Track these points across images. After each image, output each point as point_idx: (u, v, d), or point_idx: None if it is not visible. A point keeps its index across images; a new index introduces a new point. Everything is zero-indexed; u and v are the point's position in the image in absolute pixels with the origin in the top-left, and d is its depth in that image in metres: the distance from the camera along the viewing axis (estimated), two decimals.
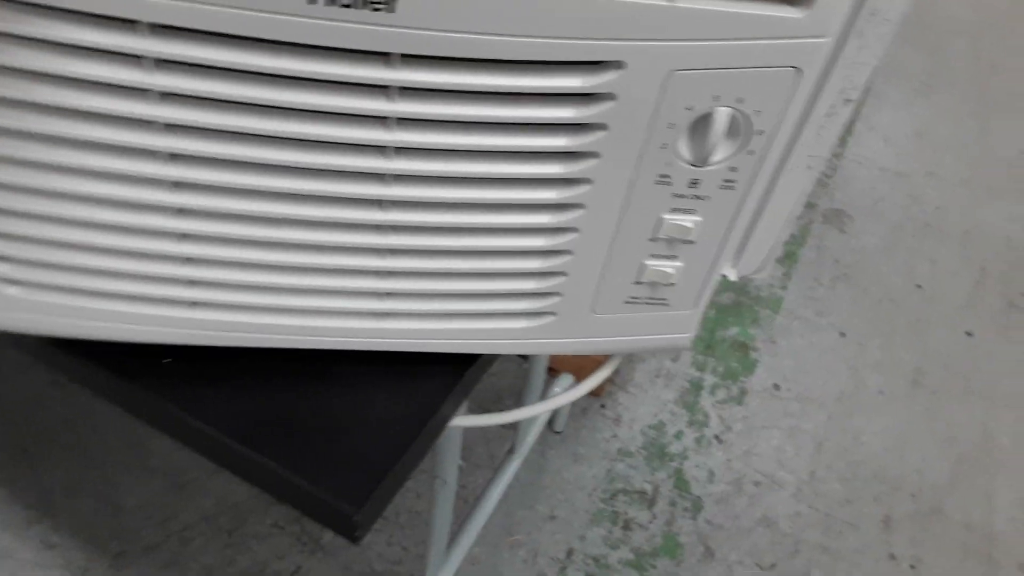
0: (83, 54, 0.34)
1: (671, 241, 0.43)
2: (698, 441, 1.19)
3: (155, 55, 0.33)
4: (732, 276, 0.56)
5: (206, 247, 0.40)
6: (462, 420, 0.52)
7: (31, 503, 1.02)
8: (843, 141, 1.64)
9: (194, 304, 0.43)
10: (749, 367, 1.28)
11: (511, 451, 1.09)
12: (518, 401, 1.17)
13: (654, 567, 1.06)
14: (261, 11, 0.32)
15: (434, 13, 0.32)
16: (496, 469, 1.10)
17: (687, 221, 0.41)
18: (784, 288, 1.38)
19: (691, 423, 1.21)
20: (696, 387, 1.25)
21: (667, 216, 0.41)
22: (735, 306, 1.36)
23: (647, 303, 0.46)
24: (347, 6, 0.32)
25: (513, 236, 0.41)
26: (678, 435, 1.20)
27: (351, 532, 0.42)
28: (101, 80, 0.34)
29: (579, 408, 1.21)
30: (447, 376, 0.49)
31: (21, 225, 0.39)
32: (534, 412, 0.56)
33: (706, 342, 1.30)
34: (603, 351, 0.49)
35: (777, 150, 0.40)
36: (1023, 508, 1.16)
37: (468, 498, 1.08)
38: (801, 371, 1.28)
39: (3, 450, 1.06)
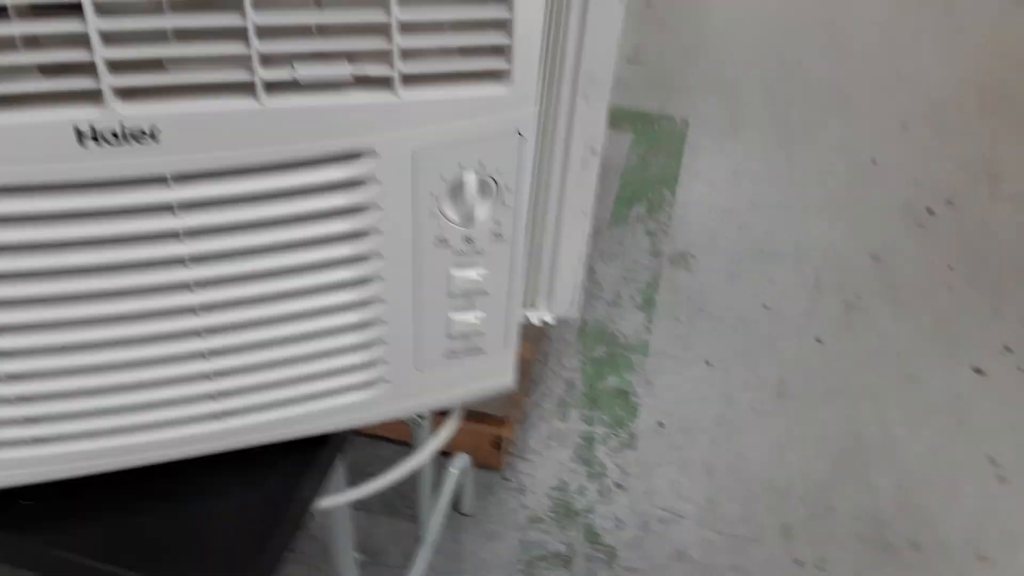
0: None
1: (467, 294, 0.49)
2: (600, 492, 1.24)
3: None
4: (549, 319, 0.62)
5: (35, 383, 0.43)
6: (332, 500, 0.55)
7: None
8: (672, 190, 1.79)
9: (37, 441, 0.45)
10: (632, 411, 1.35)
11: (418, 540, 1.09)
12: (415, 492, 1.18)
13: None
14: (37, 160, 0.36)
15: (195, 137, 0.37)
16: (409, 563, 1.10)
17: (473, 274, 0.47)
18: (649, 332, 1.47)
19: (591, 476, 1.26)
20: (589, 441, 1.30)
21: (456, 272, 0.47)
22: (609, 357, 1.43)
23: (464, 353, 0.51)
24: (115, 143, 0.37)
25: (323, 317, 0.46)
26: (581, 490, 1.24)
27: None
28: None
29: (483, 485, 1.24)
30: (300, 461, 0.52)
31: None
32: (396, 476, 0.59)
33: (590, 396, 1.37)
34: (438, 406, 0.54)
35: (533, 198, 0.47)
36: (902, 489, 1.25)
37: None
38: (679, 405, 1.36)
39: None
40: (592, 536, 1.18)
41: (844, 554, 1.16)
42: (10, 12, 0.35)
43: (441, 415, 1.16)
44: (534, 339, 1.33)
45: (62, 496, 0.49)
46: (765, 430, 1.33)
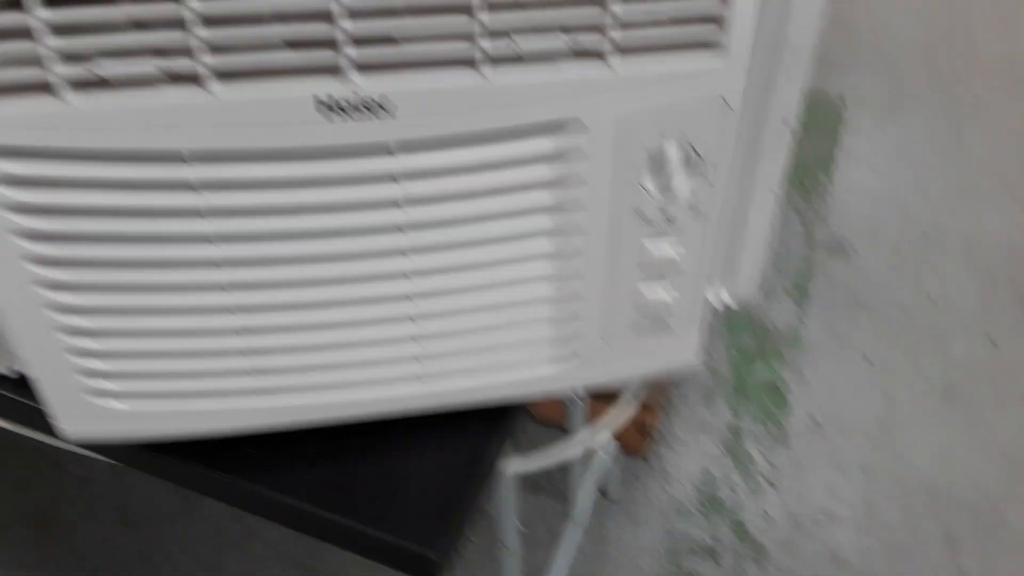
0: (148, 188, 0.41)
1: (659, 268, 0.49)
2: (750, 487, 1.21)
3: (202, 181, 0.41)
4: (730, 300, 0.61)
5: (262, 337, 0.47)
6: (513, 466, 0.57)
7: None
8: (829, 173, 1.71)
9: (261, 391, 0.49)
10: (784, 406, 1.30)
11: (564, 518, 1.11)
12: (566, 475, 1.20)
13: None
14: (289, 123, 0.39)
15: (421, 107, 0.39)
16: (557, 539, 1.12)
17: (668, 247, 0.47)
18: (802, 323, 1.42)
19: (739, 470, 1.23)
20: (737, 434, 1.28)
21: (650, 245, 0.47)
22: (758, 348, 1.39)
23: (651, 329, 0.52)
24: (350, 113, 0.39)
25: (522, 286, 0.48)
26: (729, 484, 1.21)
27: (431, 572, 0.47)
28: (164, 208, 0.42)
29: (629, 472, 1.24)
30: (488, 426, 0.54)
31: (121, 343, 0.46)
32: (571, 452, 0.61)
33: (738, 387, 1.33)
34: (622, 379, 0.54)
35: (728, 173, 0.46)
36: None
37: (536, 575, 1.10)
38: (835, 402, 1.30)
39: None
40: (741, 532, 1.15)
41: (1018, 571, 1.08)
42: None
43: (597, 398, 1.17)
44: None
45: (280, 445, 0.53)
46: (930, 433, 1.25)
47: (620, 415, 0.62)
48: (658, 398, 1.25)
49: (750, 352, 1.39)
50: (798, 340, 1.40)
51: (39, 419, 0.56)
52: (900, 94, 1.92)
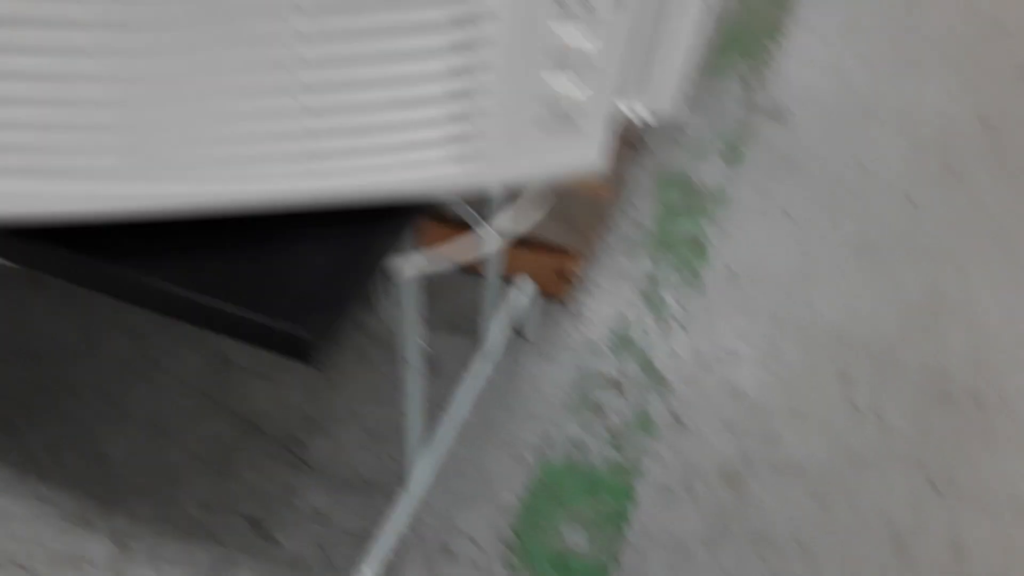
0: None
1: (569, 56, 0.47)
2: (661, 329, 1.25)
3: None
4: (645, 113, 0.60)
5: (132, 112, 0.44)
6: (411, 265, 0.57)
7: (17, 463, 1.06)
8: (775, 41, 1.68)
9: (133, 175, 0.47)
10: (703, 257, 1.33)
11: (480, 351, 1.13)
12: (483, 318, 1.22)
13: (630, 443, 1.12)
14: None
15: None
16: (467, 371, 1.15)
17: (579, 35, 0.45)
18: (731, 183, 1.43)
19: (653, 313, 1.26)
20: (654, 281, 1.30)
21: (560, 30, 0.45)
22: (685, 204, 1.41)
23: (558, 126, 0.50)
24: None
25: (422, 59, 0.45)
26: (642, 326, 1.25)
27: (304, 351, 0.47)
28: None
29: (546, 315, 1.26)
30: (379, 223, 0.53)
31: None
32: (468, 255, 0.60)
33: (662, 240, 1.35)
34: (524, 178, 0.53)
35: None
36: (974, 349, 1.22)
37: (447, 407, 1.13)
38: (755, 256, 1.34)
39: None
40: (648, 368, 1.20)
41: (903, 403, 1.16)
42: None
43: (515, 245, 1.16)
44: (614, 181, 1.31)
45: (162, 235, 0.51)
46: (841, 285, 1.30)
47: (527, 207, 0.61)
48: (580, 247, 1.26)
49: (677, 208, 1.40)
50: (725, 197, 1.41)
51: None
52: None
